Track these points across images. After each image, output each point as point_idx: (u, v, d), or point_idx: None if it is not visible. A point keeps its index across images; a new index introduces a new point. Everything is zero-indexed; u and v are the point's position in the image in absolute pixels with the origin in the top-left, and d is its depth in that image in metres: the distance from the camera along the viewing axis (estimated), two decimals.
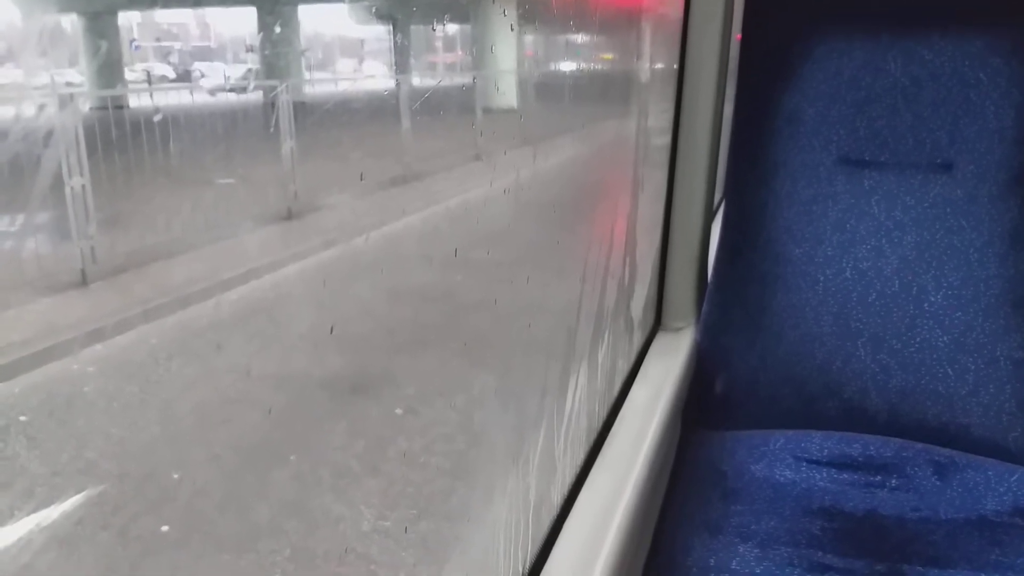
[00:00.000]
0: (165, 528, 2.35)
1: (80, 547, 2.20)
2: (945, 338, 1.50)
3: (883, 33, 1.56)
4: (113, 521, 2.33)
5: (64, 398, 2.77)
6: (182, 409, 2.91)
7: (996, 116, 1.50)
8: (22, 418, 2.65)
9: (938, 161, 1.52)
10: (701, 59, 1.62)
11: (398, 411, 3.32)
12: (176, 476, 2.57)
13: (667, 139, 1.68)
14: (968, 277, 1.50)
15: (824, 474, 1.39)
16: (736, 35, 1.67)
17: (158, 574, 2.20)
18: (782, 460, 1.42)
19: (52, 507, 2.28)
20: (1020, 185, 1.49)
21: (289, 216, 4.91)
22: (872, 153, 1.55)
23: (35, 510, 2.23)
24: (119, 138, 3.70)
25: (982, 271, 1.50)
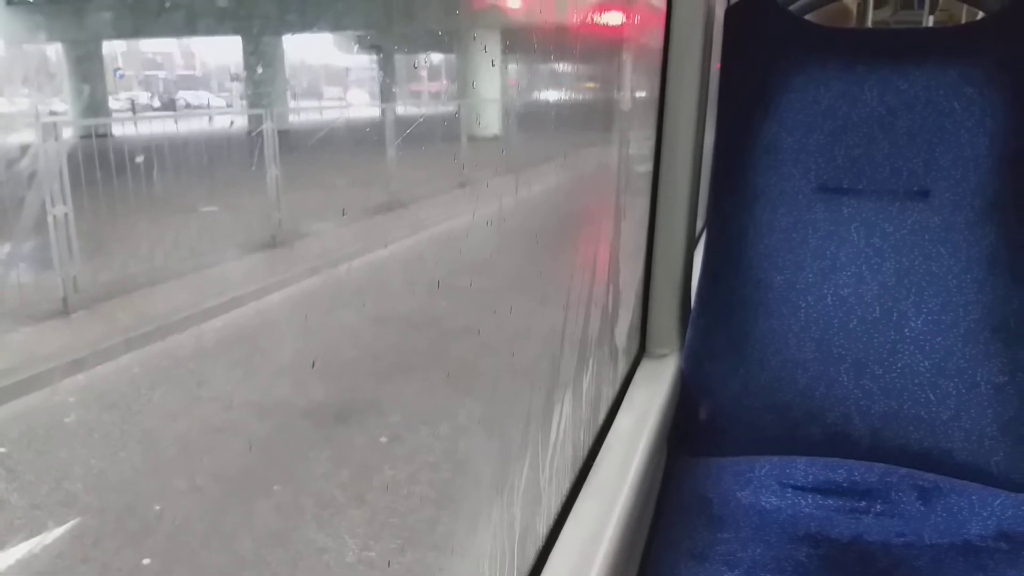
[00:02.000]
0: (147, 561, 2.32)
1: None
2: (926, 363, 1.52)
3: (859, 64, 1.59)
4: (93, 554, 2.29)
5: (44, 429, 2.74)
6: (164, 439, 2.88)
7: (971, 144, 1.53)
8: (1, 449, 2.61)
9: (915, 189, 1.55)
10: (681, 89, 1.64)
11: (383, 439, 3.30)
12: (158, 508, 2.53)
13: (648, 167, 1.70)
14: (947, 303, 1.52)
15: (809, 500, 1.40)
16: (716, 65, 1.69)
17: None
18: (767, 486, 1.43)
19: (31, 540, 2.24)
20: (995, 211, 1.51)
21: (274, 244, 4.90)
22: (850, 181, 1.58)
23: (14, 544, 2.19)
24: (103, 166, 3.69)
25: (961, 297, 1.51)
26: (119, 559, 2.30)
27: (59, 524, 2.37)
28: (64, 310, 3.15)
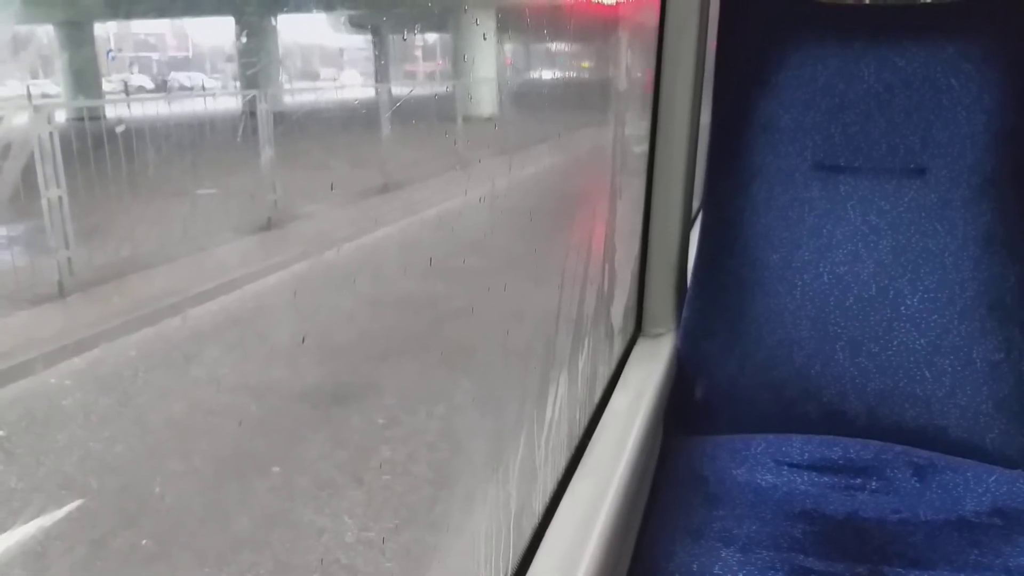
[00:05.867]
0: (145, 542, 2.32)
1: (58, 561, 2.17)
2: (922, 341, 1.52)
3: (856, 40, 1.58)
4: (92, 535, 2.30)
5: (42, 412, 2.74)
6: (161, 422, 2.88)
7: (968, 121, 1.52)
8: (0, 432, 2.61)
9: (912, 166, 1.54)
10: (677, 67, 1.63)
11: (380, 421, 3.31)
12: (156, 489, 2.54)
13: (645, 147, 1.69)
14: (943, 280, 1.52)
15: (805, 478, 1.40)
16: (712, 43, 1.68)
17: None
18: (763, 464, 1.43)
19: (30, 522, 2.25)
20: (992, 188, 1.51)
21: (269, 226, 4.87)
22: (847, 159, 1.57)
23: (13, 525, 2.20)
24: (96, 148, 3.67)
25: (957, 274, 1.52)
26: (117, 540, 2.31)
27: (59, 507, 2.38)
28: (59, 293, 3.14)
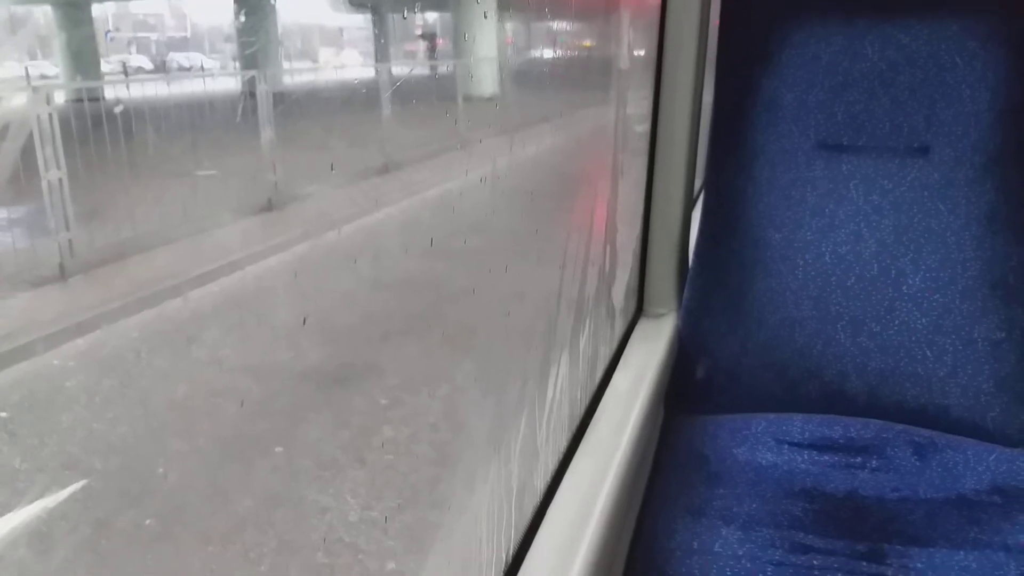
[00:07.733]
0: (149, 521, 2.34)
1: (63, 541, 2.19)
2: (923, 320, 1.52)
3: (860, 18, 1.56)
4: (96, 515, 2.32)
5: (45, 393, 2.75)
6: (164, 402, 2.89)
7: (972, 99, 1.51)
8: (2, 414, 2.62)
9: (915, 145, 1.54)
10: (679, 46, 1.62)
11: (383, 401, 3.32)
12: (160, 469, 2.55)
13: (647, 126, 1.68)
14: (946, 260, 1.52)
15: (805, 456, 1.41)
16: (714, 21, 1.67)
17: (142, 567, 2.20)
18: (764, 443, 1.44)
19: (35, 503, 2.26)
20: (996, 167, 1.51)
21: (270, 207, 4.87)
22: (850, 138, 1.56)
23: (18, 505, 2.21)
24: (95, 130, 3.65)
25: (959, 254, 1.51)
26: (122, 520, 2.33)
27: (63, 487, 2.39)
28: (60, 275, 3.14)
